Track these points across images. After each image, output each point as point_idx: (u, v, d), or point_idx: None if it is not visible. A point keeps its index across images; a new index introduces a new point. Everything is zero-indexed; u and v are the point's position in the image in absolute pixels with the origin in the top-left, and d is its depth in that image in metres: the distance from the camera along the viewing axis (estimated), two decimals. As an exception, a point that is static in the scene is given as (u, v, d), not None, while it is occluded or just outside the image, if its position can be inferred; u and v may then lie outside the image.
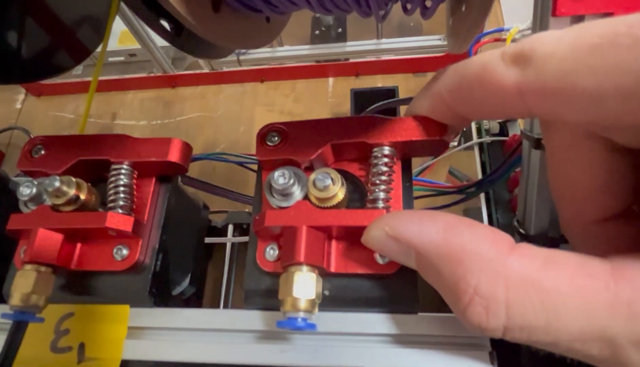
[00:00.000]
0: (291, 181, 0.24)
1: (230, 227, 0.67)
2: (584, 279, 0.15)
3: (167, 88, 0.95)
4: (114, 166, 0.27)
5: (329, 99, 0.87)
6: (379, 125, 0.24)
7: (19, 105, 0.98)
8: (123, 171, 0.27)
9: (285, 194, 0.24)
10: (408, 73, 0.86)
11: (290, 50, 0.88)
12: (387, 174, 0.24)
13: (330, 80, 0.89)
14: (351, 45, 0.86)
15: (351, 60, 0.86)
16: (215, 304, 0.66)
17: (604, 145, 0.17)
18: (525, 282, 0.15)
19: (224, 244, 0.67)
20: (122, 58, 0.97)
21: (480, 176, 0.43)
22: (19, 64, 0.28)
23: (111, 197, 0.26)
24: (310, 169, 0.26)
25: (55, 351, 0.26)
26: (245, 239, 0.66)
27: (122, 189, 0.26)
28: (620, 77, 0.13)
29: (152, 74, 0.95)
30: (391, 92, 0.73)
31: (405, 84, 0.85)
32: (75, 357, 0.26)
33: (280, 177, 0.24)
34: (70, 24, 0.30)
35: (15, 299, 0.24)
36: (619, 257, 0.15)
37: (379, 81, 0.87)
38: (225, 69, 0.93)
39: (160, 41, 0.89)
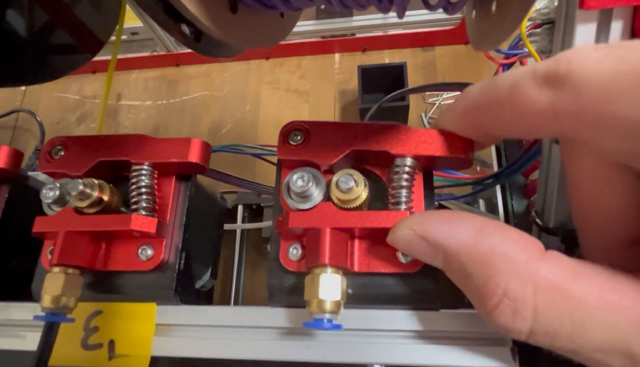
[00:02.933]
0: (310, 184, 0.24)
1: (240, 209, 0.68)
2: (612, 294, 0.15)
3: (171, 67, 0.94)
4: (134, 167, 0.27)
5: (335, 75, 0.86)
6: (404, 136, 0.24)
7: (23, 87, 0.97)
8: (144, 172, 0.27)
9: (304, 196, 0.24)
10: (416, 47, 0.84)
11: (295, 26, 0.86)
12: (407, 187, 0.24)
13: (337, 56, 0.87)
14: (358, 20, 0.84)
15: (358, 36, 0.84)
16: (226, 286, 0.67)
17: (634, 173, 0.16)
18: (553, 289, 0.16)
19: (234, 228, 0.67)
20: (124, 37, 0.95)
21: (495, 160, 0.42)
22: (38, 64, 0.27)
23: (134, 199, 0.26)
24: (329, 172, 0.26)
25: (86, 348, 0.27)
26: (255, 225, 0.67)
27: (144, 190, 0.26)
28: None
29: (155, 53, 0.94)
30: (399, 69, 0.72)
31: (413, 59, 0.84)
32: (106, 354, 0.26)
33: (299, 179, 0.24)
34: (83, 18, 0.30)
35: (46, 301, 0.24)
36: None
37: (387, 56, 0.85)
38: (229, 47, 0.91)
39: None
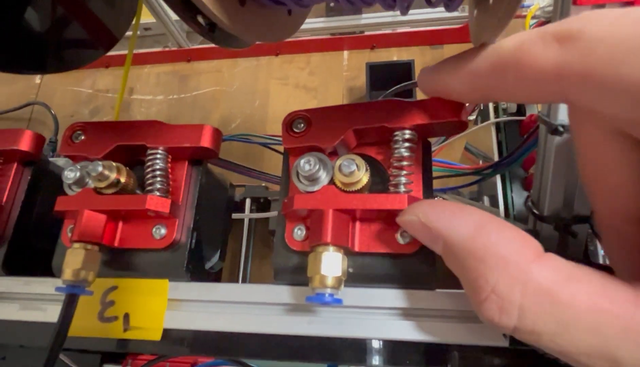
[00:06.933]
0: (317, 167, 0.25)
1: (248, 201, 0.69)
2: (603, 299, 0.15)
3: (183, 62, 0.96)
4: (150, 151, 0.29)
5: (343, 72, 0.87)
6: (400, 109, 0.25)
7: (37, 80, 1.00)
8: (159, 156, 0.28)
9: (312, 179, 0.26)
10: (425, 45, 0.85)
11: (304, 23, 0.87)
12: (407, 158, 0.26)
13: (345, 53, 0.89)
14: (367, 18, 0.85)
15: (366, 33, 0.86)
16: (233, 277, 0.69)
17: (634, 143, 0.16)
18: (542, 292, 0.16)
19: (242, 218, 0.69)
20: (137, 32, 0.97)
21: (496, 155, 0.43)
22: (54, 55, 0.29)
23: (149, 181, 0.28)
24: (334, 153, 0.27)
25: (103, 321, 0.29)
26: (262, 214, 0.68)
27: (158, 172, 0.28)
28: None
29: (167, 48, 0.96)
30: (407, 66, 0.73)
31: (421, 57, 0.85)
32: (121, 326, 0.28)
33: (306, 164, 0.25)
34: (99, 15, 0.31)
35: (67, 274, 0.26)
36: None
37: (395, 54, 0.86)
38: (240, 43, 0.93)
39: (174, 15, 0.90)
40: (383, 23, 0.85)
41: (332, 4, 0.89)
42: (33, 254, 0.33)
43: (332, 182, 0.26)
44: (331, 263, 0.24)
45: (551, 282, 0.16)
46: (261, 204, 0.72)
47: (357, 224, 0.26)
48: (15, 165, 0.31)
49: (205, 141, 0.28)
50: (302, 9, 0.29)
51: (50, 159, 0.36)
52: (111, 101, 0.97)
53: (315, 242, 0.25)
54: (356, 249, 0.26)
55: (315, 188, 0.26)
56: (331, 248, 0.24)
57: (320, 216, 0.25)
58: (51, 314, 0.29)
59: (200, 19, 0.22)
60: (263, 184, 0.71)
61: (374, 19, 0.85)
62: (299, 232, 0.27)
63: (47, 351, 0.25)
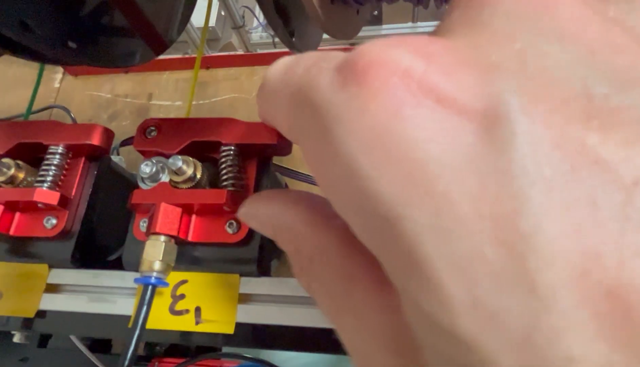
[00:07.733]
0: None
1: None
2: None
3: (202, 69, 0.97)
4: (224, 147, 0.29)
5: (361, 81, 0.88)
6: None
7: (57, 84, 1.00)
8: (232, 152, 0.29)
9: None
10: (442, 57, 0.87)
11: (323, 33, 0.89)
12: None
13: (364, 63, 0.90)
14: (387, 29, 0.87)
15: (386, 44, 0.87)
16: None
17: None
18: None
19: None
20: (157, 39, 0.98)
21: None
22: (110, 53, 0.30)
23: (224, 176, 0.29)
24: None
25: (174, 313, 0.29)
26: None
27: (232, 168, 0.29)
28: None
29: (187, 55, 0.97)
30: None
31: (438, 68, 0.86)
32: (193, 319, 0.29)
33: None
34: (153, 21, 0.32)
35: (146, 265, 0.27)
36: None
37: (413, 65, 0.88)
38: (259, 51, 0.94)
39: (195, 22, 0.91)
40: (403, 34, 0.86)
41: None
42: (96, 248, 0.33)
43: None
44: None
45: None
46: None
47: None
48: (83, 160, 0.32)
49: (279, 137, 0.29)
50: (365, 10, 0.30)
51: (113, 157, 0.36)
52: (130, 106, 0.97)
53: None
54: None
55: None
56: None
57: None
58: (121, 306, 0.30)
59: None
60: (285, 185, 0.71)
61: (393, 29, 0.87)
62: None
63: (131, 342, 0.25)
